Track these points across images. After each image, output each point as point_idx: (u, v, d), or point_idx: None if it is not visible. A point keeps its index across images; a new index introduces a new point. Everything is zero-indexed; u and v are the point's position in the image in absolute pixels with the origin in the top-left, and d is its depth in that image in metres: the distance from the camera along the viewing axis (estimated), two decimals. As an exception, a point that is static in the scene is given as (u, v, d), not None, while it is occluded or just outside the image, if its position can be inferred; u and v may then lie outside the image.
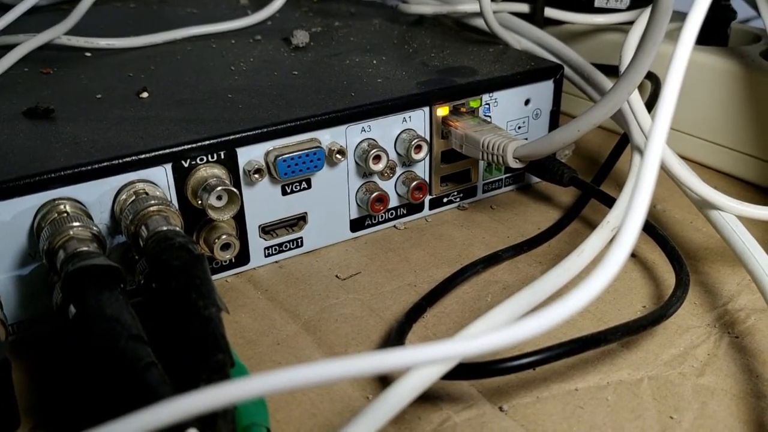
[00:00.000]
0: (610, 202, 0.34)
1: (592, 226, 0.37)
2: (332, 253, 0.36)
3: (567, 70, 0.41)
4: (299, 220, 0.35)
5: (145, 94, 0.36)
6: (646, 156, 0.19)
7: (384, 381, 0.27)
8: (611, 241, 0.26)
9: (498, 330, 0.16)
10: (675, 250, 0.31)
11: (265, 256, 0.34)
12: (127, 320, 0.22)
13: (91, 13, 0.45)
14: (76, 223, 0.27)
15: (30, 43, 0.40)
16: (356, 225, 0.36)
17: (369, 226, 0.37)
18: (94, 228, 0.27)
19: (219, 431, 0.20)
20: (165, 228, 0.27)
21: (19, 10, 0.40)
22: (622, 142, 0.39)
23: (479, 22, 0.46)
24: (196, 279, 0.24)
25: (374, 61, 0.40)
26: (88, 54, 0.43)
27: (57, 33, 0.42)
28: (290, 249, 0.35)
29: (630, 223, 0.19)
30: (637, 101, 0.35)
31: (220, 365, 0.22)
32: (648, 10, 0.38)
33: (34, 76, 0.39)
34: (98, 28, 0.46)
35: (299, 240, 0.35)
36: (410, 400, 0.21)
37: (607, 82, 0.39)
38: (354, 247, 0.36)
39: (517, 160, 0.33)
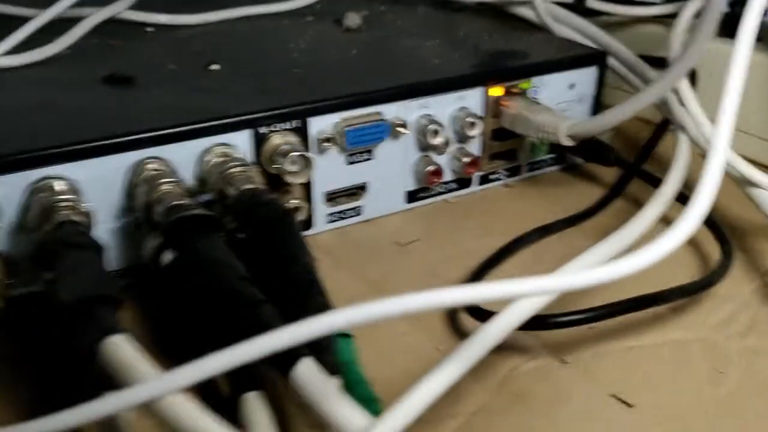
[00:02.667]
0: (653, 180, 0.36)
1: (636, 203, 0.39)
2: (389, 222, 0.38)
3: (611, 59, 0.43)
4: (360, 190, 0.37)
5: (214, 67, 0.37)
6: (716, 131, 0.21)
7: (459, 333, 0.29)
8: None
9: (599, 266, 0.18)
10: (719, 225, 0.33)
11: (327, 223, 0.36)
12: (235, 263, 0.24)
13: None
14: (170, 179, 0.29)
15: (98, 15, 0.42)
16: (411, 196, 0.38)
17: (422, 198, 0.39)
18: (185, 184, 0.29)
19: (327, 362, 0.22)
20: (252, 186, 0.29)
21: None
22: (661, 126, 0.41)
23: (522, 11, 0.48)
24: (290, 232, 0.26)
25: (427, 44, 0.42)
26: (150, 29, 0.45)
27: (121, 7, 0.43)
28: (350, 216, 0.37)
29: (705, 184, 0.21)
30: (685, 87, 0.37)
31: (322, 307, 0.24)
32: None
33: (104, 48, 0.41)
34: (154, 5, 0.48)
35: (359, 208, 0.37)
36: (505, 335, 0.23)
37: (650, 71, 0.41)
38: (409, 217, 0.38)
39: (570, 138, 0.35)
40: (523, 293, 0.19)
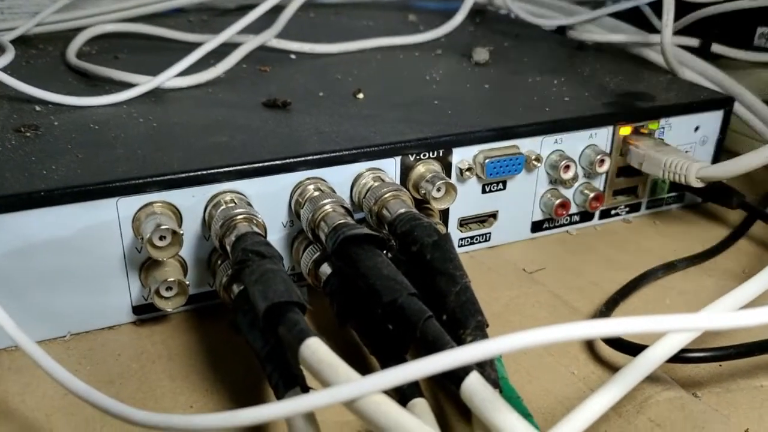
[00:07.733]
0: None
1: (757, 245, 0.39)
2: (514, 249, 0.40)
3: (736, 104, 0.44)
4: (490, 217, 0.39)
5: (360, 95, 0.40)
6: None
7: (596, 361, 0.31)
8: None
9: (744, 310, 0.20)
10: None
11: (458, 246, 0.39)
12: (403, 279, 0.27)
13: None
14: (331, 199, 0.31)
15: (252, 42, 0.45)
16: (536, 226, 0.40)
17: (547, 228, 0.41)
18: (346, 204, 0.32)
19: (488, 376, 0.24)
20: (406, 210, 0.31)
21: (260, 10, 0.45)
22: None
23: (645, 52, 0.49)
24: (450, 253, 0.28)
25: (555, 81, 0.44)
26: (293, 56, 0.48)
27: (269, 36, 0.47)
28: (479, 242, 0.39)
29: None
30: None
31: (481, 325, 0.26)
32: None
33: (255, 73, 0.45)
34: (289, 34, 0.51)
35: (488, 235, 0.39)
36: (656, 366, 0.25)
37: (776, 117, 0.42)
38: (534, 246, 0.40)
39: (699, 180, 0.37)
40: (677, 328, 0.21)
